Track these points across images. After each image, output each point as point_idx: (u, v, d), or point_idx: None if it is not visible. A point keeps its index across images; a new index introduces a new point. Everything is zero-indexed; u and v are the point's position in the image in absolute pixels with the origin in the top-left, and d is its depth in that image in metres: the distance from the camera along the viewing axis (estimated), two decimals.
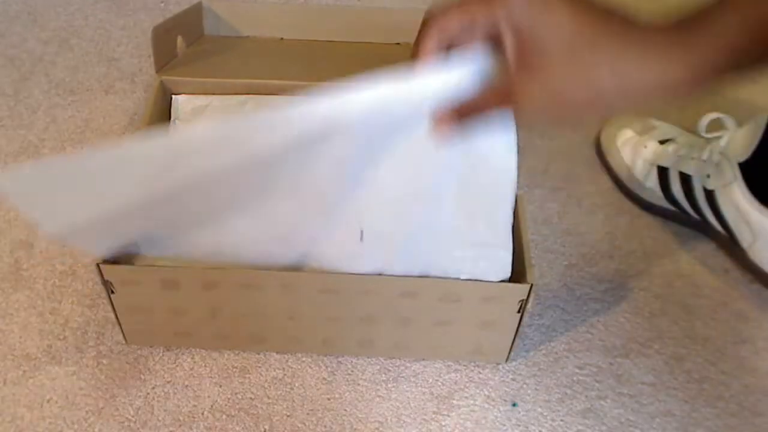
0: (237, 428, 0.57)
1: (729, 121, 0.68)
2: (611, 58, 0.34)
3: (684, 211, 0.71)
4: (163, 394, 0.58)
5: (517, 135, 0.56)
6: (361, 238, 0.54)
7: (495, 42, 0.37)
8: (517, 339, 0.58)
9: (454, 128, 0.41)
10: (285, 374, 0.60)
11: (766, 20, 0.34)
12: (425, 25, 0.40)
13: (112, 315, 0.58)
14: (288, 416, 0.57)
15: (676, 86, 0.35)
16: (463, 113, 0.41)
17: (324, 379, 0.60)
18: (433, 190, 0.53)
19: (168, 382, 0.59)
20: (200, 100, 0.67)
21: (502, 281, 0.55)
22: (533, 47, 0.35)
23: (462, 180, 0.53)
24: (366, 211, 0.53)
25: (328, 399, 0.59)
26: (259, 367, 0.60)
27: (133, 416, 0.57)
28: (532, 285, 0.53)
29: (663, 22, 0.36)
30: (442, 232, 0.55)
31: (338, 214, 0.54)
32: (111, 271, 0.54)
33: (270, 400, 0.58)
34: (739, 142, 0.65)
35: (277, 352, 0.61)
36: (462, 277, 0.55)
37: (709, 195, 0.68)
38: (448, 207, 0.54)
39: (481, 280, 0.56)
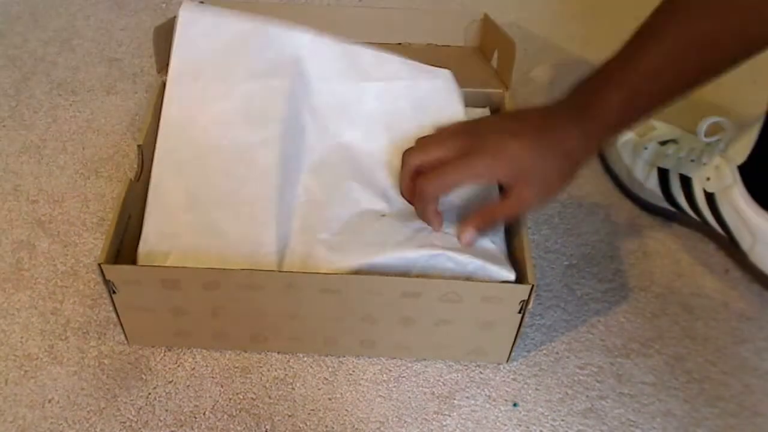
0: (238, 428, 0.57)
1: (728, 124, 0.68)
2: (555, 159, 0.53)
3: (684, 213, 0.71)
4: (164, 394, 0.58)
5: None
6: (383, 214, 0.59)
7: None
8: (518, 339, 0.58)
9: (476, 232, 0.56)
10: (286, 374, 0.60)
11: (641, 98, 0.52)
12: (426, 184, 0.54)
13: (114, 315, 0.58)
14: (289, 416, 0.58)
15: (587, 152, 0.54)
16: (485, 221, 0.56)
17: (325, 379, 0.60)
18: None
19: (169, 382, 0.59)
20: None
21: (506, 281, 0.56)
22: (519, 178, 0.53)
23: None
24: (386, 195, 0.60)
25: (330, 399, 0.59)
26: (261, 367, 0.60)
27: (134, 416, 0.57)
28: (533, 285, 0.53)
29: (563, 112, 0.53)
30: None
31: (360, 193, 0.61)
32: (112, 271, 0.54)
33: (271, 400, 0.58)
34: (737, 145, 0.65)
35: (278, 352, 0.61)
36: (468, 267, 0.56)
37: (709, 198, 0.68)
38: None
39: (481, 281, 0.56)
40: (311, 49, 0.64)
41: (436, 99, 0.65)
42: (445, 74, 0.65)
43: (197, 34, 0.62)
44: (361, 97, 0.64)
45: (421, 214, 0.56)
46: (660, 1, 0.52)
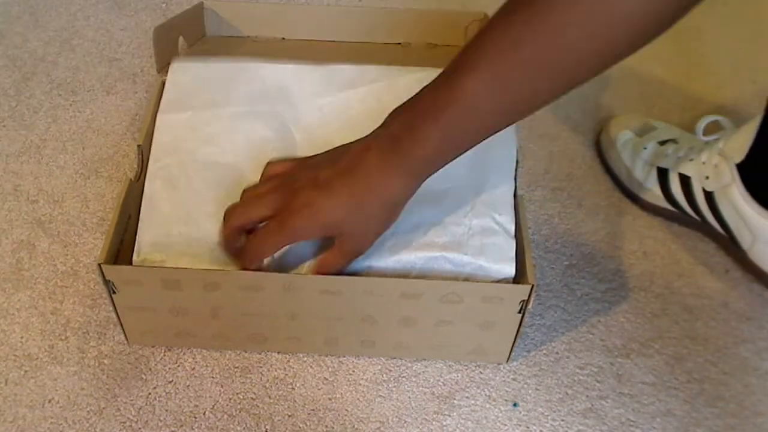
0: (238, 428, 0.57)
1: (726, 123, 0.68)
2: (372, 207, 0.52)
3: (684, 212, 0.71)
4: (164, 394, 0.58)
5: (517, 135, 0.62)
6: None
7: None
8: (518, 339, 0.58)
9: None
10: (286, 374, 0.60)
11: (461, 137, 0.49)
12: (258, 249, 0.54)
13: (114, 315, 0.58)
14: (289, 416, 0.58)
15: (407, 191, 0.51)
16: (327, 271, 0.55)
17: (325, 379, 0.60)
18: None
19: (169, 382, 0.59)
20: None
21: (505, 279, 0.56)
22: (339, 232, 0.52)
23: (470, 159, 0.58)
24: None
25: (330, 399, 0.59)
26: (261, 367, 0.60)
27: (134, 416, 0.57)
28: (533, 285, 0.53)
29: (380, 152, 0.50)
30: (451, 207, 0.58)
31: None
32: (112, 271, 0.54)
33: (271, 400, 0.58)
34: (735, 143, 0.65)
35: (278, 352, 0.61)
36: (466, 258, 0.56)
37: (709, 196, 0.68)
38: (459, 187, 0.59)
39: (482, 281, 0.56)
40: (294, 77, 0.67)
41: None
42: (427, 70, 0.66)
43: (186, 77, 0.66)
44: (347, 104, 0.66)
45: (245, 268, 0.55)
46: (481, 26, 0.48)
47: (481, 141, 0.50)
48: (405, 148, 0.49)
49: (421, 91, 0.50)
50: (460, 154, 0.50)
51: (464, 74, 0.47)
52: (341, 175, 0.51)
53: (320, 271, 0.55)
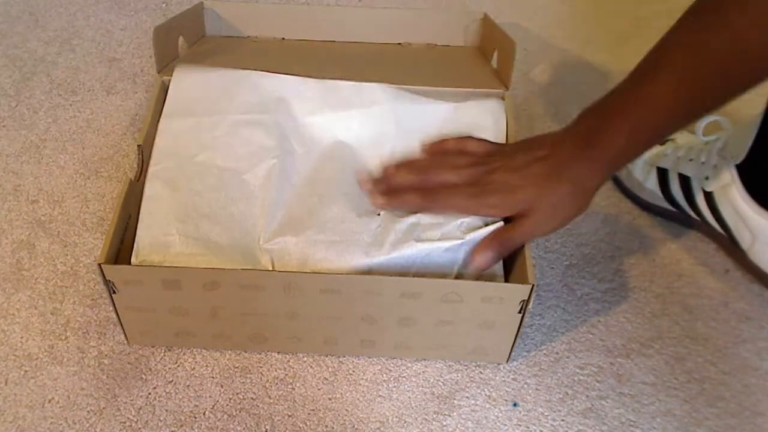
0: (238, 428, 0.57)
1: (726, 123, 0.68)
2: (565, 191, 0.55)
3: (684, 212, 0.71)
4: (164, 394, 0.58)
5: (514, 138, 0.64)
6: (379, 213, 0.60)
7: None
8: (518, 339, 0.58)
9: (492, 256, 0.56)
10: (286, 374, 0.60)
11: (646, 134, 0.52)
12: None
13: (114, 315, 0.58)
14: (289, 416, 0.58)
15: (595, 180, 0.55)
16: (503, 245, 0.56)
17: (325, 379, 0.60)
18: None
19: (169, 382, 0.59)
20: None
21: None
22: (531, 209, 0.56)
23: None
24: None
25: (330, 399, 0.59)
26: (261, 367, 0.60)
27: (134, 416, 0.57)
28: (533, 285, 0.53)
29: (570, 141, 0.55)
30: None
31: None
32: (112, 271, 0.54)
33: (271, 400, 0.58)
34: (735, 143, 0.65)
35: (278, 352, 0.61)
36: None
37: (708, 197, 0.68)
38: None
39: (481, 281, 0.56)
40: (294, 90, 0.67)
41: (418, 120, 0.67)
42: (432, 103, 0.69)
43: (189, 84, 0.67)
44: (346, 124, 0.67)
45: (387, 204, 0.59)
46: (672, 26, 0.50)
47: (664, 138, 0.54)
48: (595, 144, 0.53)
49: (610, 93, 0.53)
50: (645, 150, 0.55)
51: (650, 78, 0.50)
52: (536, 162, 0.56)
53: (505, 240, 0.56)
